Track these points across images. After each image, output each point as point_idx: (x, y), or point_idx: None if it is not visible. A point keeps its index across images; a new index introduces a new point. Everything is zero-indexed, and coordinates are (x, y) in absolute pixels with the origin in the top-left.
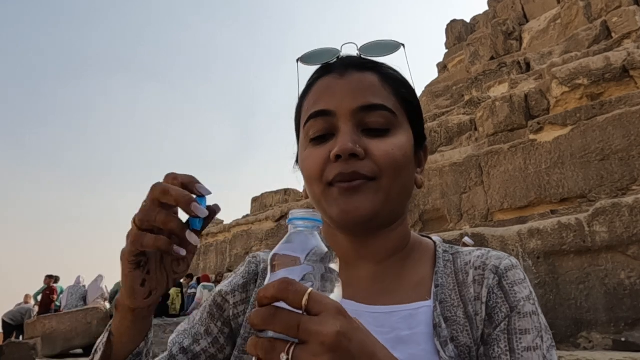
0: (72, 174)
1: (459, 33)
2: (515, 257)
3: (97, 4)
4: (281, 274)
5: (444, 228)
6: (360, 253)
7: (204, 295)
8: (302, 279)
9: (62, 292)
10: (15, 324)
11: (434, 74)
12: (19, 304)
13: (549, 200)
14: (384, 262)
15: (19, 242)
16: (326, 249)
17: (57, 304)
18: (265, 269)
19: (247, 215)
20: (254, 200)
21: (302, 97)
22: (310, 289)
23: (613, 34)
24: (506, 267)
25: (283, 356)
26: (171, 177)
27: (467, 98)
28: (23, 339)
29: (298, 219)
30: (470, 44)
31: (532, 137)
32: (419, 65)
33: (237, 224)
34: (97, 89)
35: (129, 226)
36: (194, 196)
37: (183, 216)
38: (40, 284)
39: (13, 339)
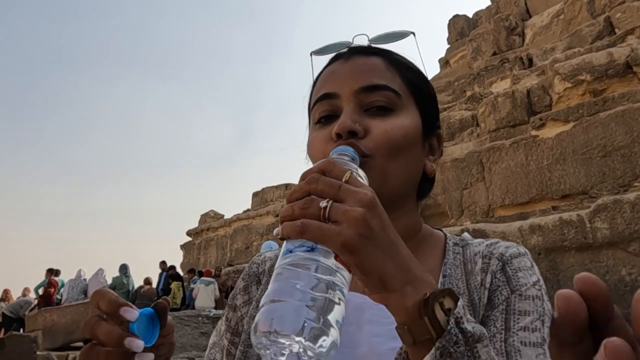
0: (72, 169)
1: (461, 28)
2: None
3: None
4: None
5: (445, 224)
6: None
7: (199, 289)
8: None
9: (63, 285)
10: (15, 317)
11: (435, 70)
12: (19, 297)
13: (551, 197)
14: None
15: (20, 236)
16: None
17: (59, 297)
18: (272, 267)
19: (248, 210)
20: (255, 195)
21: (312, 87)
22: (351, 171)
23: (616, 30)
24: (512, 254)
25: (323, 203)
26: (95, 300)
27: (468, 94)
28: (23, 331)
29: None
30: (472, 40)
31: (534, 133)
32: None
33: (237, 218)
34: (98, 83)
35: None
36: (131, 318)
37: None
38: (41, 278)
39: (13, 332)
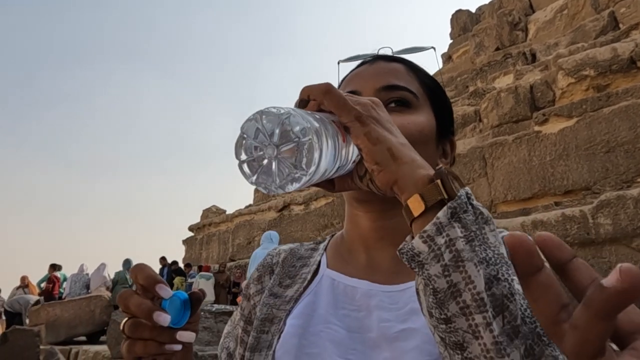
0: (74, 163)
1: (464, 23)
2: None
3: None
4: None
5: None
6: (380, 233)
7: (200, 284)
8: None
9: (65, 279)
10: (14, 312)
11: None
12: (18, 287)
13: (553, 192)
14: None
15: (21, 230)
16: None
17: (62, 290)
18: (286, 259)
19: (250, 205)
20: (257, 190)
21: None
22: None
23: (621, 25)
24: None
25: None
26: (133, 274)
27: (471, 89)
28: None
29: None
30: (475, 35)
31: (537, 128)
32: (424, 56)
33: (239, 213)
34: (97, 77)
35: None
36: (165, 295)
37: None
38: (43, 272)
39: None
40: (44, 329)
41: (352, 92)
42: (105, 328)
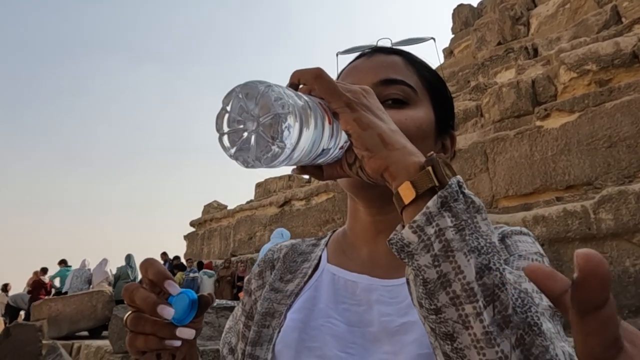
0: (76, 161)
1: (465, 18)
2: None
3: None
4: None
5: None
6: (379, 228)
7: (203, 280)
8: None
9: (66, 275)
10: (16, 307)
11: (440, 60)
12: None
13: (555, 187)
14: None
15: (25, 226)
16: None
17: (62, 288)
18: (287, 254)
19: (251, 201)
20: (258, 185)
21: None
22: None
23: (623, 19)
24: (513, 231)
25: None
26: (143, 268)
27: (473, 84)
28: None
29: None
30: (477, 29)
31: (538, 123)
32: (426, 51)
33: (240, 209)
34: (92, 70)
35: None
36: (172, 292)
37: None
38: (48, 267)
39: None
40: (46, 324)
41: None
42: (107, 323)
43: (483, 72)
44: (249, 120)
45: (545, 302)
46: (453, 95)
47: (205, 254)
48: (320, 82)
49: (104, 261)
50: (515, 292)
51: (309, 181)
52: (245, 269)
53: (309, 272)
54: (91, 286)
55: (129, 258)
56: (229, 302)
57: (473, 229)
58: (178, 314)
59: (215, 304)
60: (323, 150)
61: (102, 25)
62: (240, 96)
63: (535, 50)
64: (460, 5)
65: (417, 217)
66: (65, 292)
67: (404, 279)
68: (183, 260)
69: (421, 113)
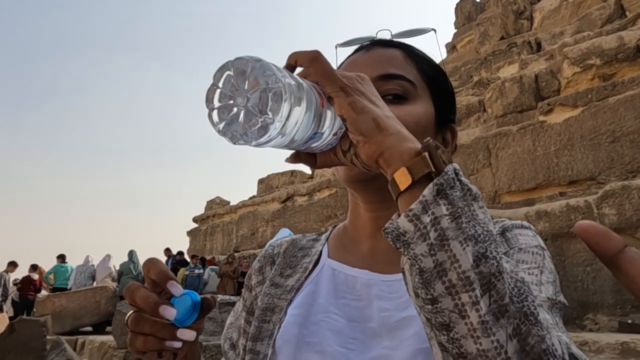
0: (73, 156)
1: (468, 12)
2: None
3: None
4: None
5: None
6: (379, 223)
7: (210, 276)
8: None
9: (61, 271)
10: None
11: (442, 53)
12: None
13: (558, 183)
14: None
15: (24, 221)
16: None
17: (60, 283)
18: (287, 249)
19: (254, 197)
20: (260, 181)
21: None
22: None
23: (627, 13)
24: (514, 225)
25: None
26: (146, 267)
27: (475, 79)
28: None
29: None
30: (479, 24)
31: (541, 118)
32: (428, 46)
33: (243, 205)
34: (98, 68)
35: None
36: (175, 293)
37: None
38: (48, 262)
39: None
40: (50, 320)
41: None
42: (111, 319)
43: (486, 67)
44: (239, 96)
45: (544, 294)
46: (455, 90)
47: (207, 250)
48: (316, 65)
49: (107, 257)
50: (512, 281)
51: (311, 177)
52: (249, 264)
53: (310, 267)
54: (95, 282)
55: (131, 254)
56: (232, 297)
57: (470, 217)
58: (180, 315)
59: (218, 299)
60: (316, 133)
61: (107, 23)
62: (232, 72)
63: (539, 45)
64: (463, 0)
65: (413, 206)
66: (64, 288)
67: None
68: (186, 256)
69: (420, 108)
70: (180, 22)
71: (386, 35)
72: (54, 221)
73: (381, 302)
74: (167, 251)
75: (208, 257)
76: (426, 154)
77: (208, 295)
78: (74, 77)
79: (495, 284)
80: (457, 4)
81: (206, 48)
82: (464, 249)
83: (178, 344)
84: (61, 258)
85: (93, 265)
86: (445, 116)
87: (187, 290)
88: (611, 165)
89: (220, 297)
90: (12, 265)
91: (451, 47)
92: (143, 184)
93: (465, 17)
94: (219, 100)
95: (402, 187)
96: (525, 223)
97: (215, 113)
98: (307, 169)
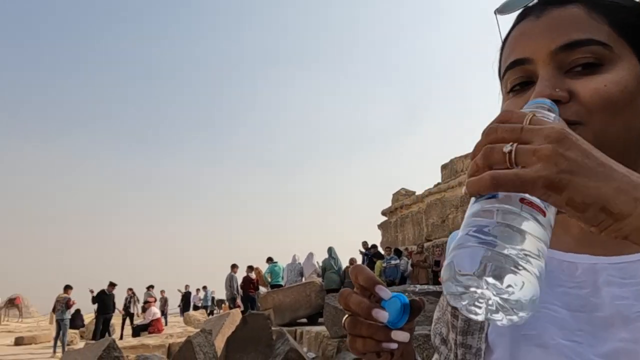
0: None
1: None
2: None
3: None
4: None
5: None
6: None
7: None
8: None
9: (274, 270)
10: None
11: None
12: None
13: None
14: None
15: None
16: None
17: (276, 281)
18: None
19: (439, 183)
20: (444, 167)
21: (501, 51)
22: (533, 112)
23: None
24: None
25: (506, 147)
26: (353, 274)
27: None
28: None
29: None
30: None
31: None
32: None
33: (429, 193)
34: (275, 85)
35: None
36: (384, 296)
37: None
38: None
39: (241, 309)
40: (272, 313)
41: (521, 61)
42: (321, 310)
43: None
44: (472, 281)
45: None
46: None
47: (400, 241)
48: (503, 180)
49: (311, 255)
50: None
51: None
52: (441, 252)
53: None
54: (303, 278)
55: (330, 250)
56: (431, 286)
57: None
58: (392, 317)
59: (417, 289)
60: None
61: (279, 42)
62: (467, 301)
63: None
64: None
65: None
66: (279, 285)
67: (635, 256)
68: (380, 249)
69: (623, 72)
70: (348, 32)
71: None
72: (266, 224)
73: (613, 288)
74: (365, 244)
75: (402, 248)
76: None
77: (417, 298)
78: (268, 92)
79: None
80: None
81: (357, 48)
82: None
83: (394, 346)
84: (270, 260)
85: (300, 263)
86: None
87: (395, 294)
88: None
89: (419, 287)
90: (235, 267)
91: None
92: (327, 186)
93: None
94: (461, 284)
95: None
96: None
97: (465, 298)
98: None
